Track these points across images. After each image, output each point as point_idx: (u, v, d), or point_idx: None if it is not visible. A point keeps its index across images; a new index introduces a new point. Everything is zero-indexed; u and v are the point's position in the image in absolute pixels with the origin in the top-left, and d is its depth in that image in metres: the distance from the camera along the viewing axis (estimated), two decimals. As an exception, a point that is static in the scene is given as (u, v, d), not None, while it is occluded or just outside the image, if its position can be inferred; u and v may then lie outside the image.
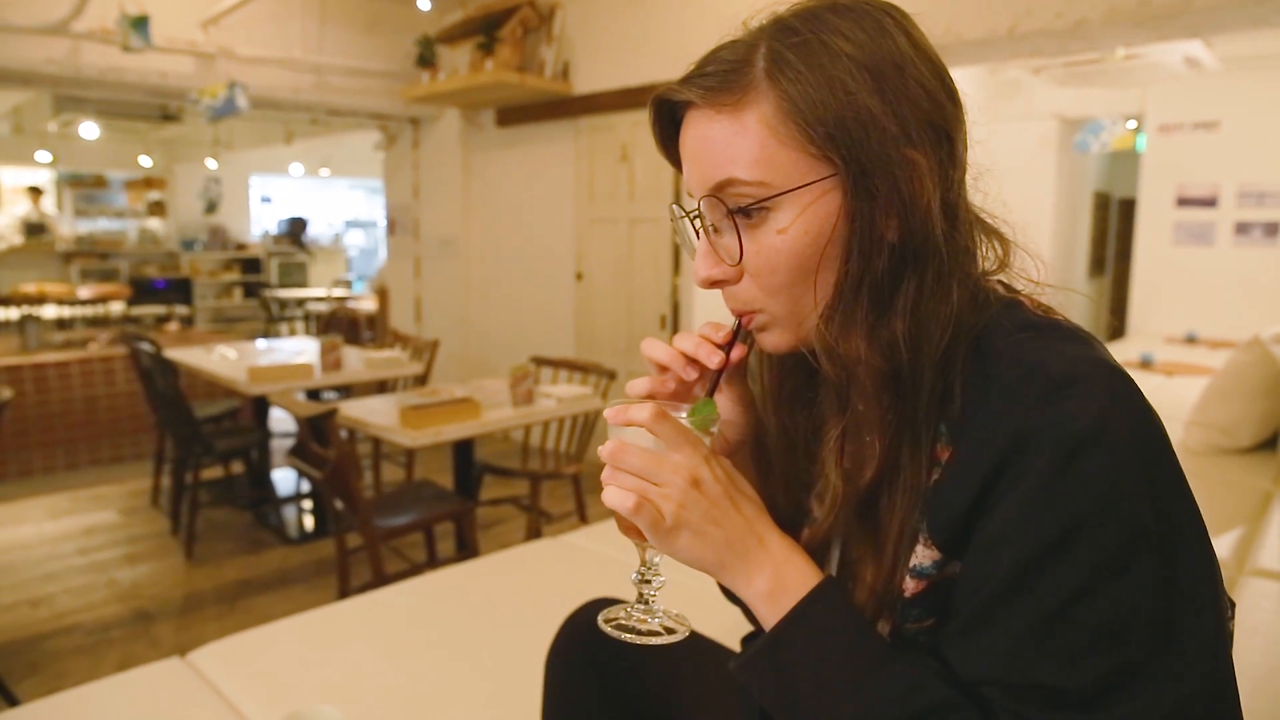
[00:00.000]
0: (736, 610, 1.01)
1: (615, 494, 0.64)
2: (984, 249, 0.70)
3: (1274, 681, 1.51)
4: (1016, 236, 0.70)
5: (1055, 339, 0.63)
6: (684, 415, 0.68)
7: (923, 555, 0.65)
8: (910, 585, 0.66)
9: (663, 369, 0.74)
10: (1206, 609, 0.58)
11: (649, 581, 0.73)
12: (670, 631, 0.71)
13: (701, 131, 0.66)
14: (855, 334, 0.64)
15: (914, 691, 0.61)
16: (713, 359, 0.71)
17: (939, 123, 0.64)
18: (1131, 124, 6.51)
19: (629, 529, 0.69)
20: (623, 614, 0.73)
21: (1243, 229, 5.93)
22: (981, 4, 3.10)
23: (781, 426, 0.78)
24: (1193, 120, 6.08)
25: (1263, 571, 1.97)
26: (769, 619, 0.66)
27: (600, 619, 0.73)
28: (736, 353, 0.72)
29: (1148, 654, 0.56)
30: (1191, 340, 5.55)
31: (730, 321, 0.72)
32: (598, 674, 1.07)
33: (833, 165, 0.63)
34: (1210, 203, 6.05)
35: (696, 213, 0.69)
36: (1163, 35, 3.14)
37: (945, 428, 0.65)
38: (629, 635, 0.71)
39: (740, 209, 0.65)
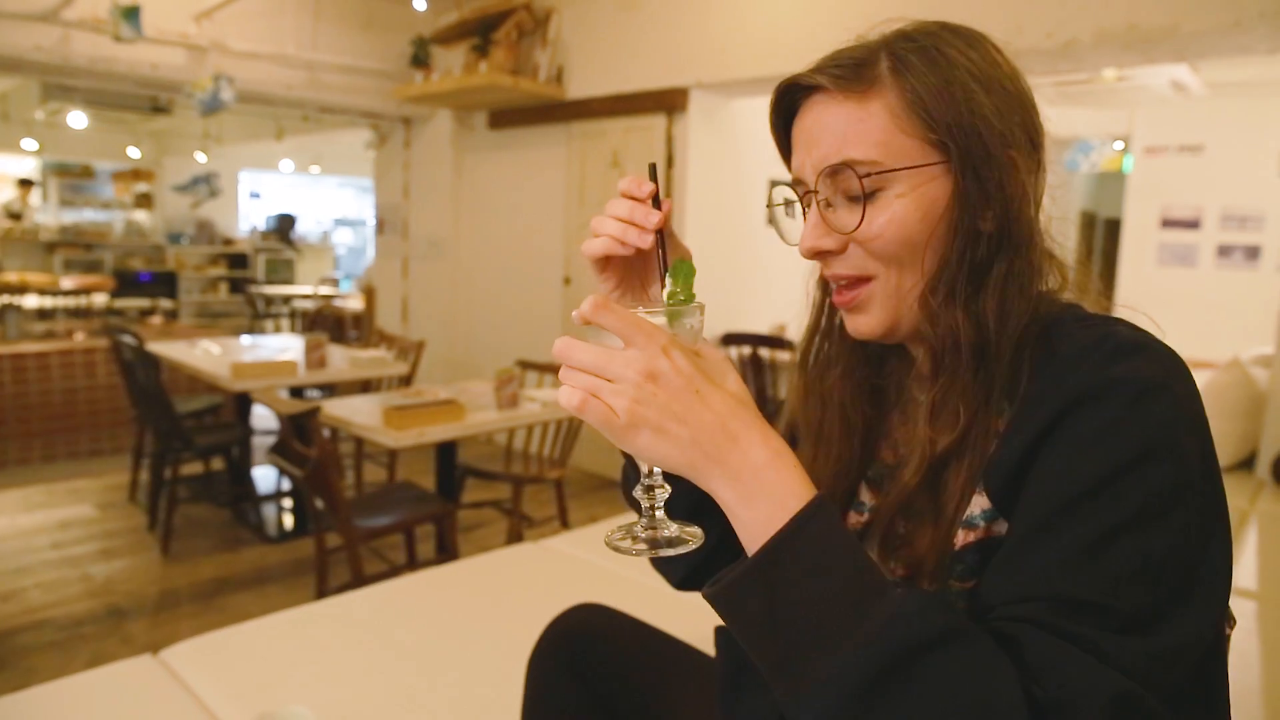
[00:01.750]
0: (711, 616, 1.01)
1: (564, 393, 0.60)
2: (1050, 263, 0.76)
3: (1249, 699, 1.52)
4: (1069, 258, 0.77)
5: (1119, 323, 0.69)
6: (660, 314, 0.64)
7: (974, 504, 0.68)
8: (960, 537, 0.69)
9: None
10: (1221, 568, 0.62)
11: (652, 491, 0.67)
12: (681, 541, 0.66)
13: (828, 114, 0.73)
14: (955, 306, 0.71)
15: (926, 615, 0.55)
16: (651, 218, 0.70)
17: (1032, 134, 0.74)
18: (1119, 145, 6.58)
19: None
20: (629, 529, 0.68)
21: (1225, 251, 6.00)
22: (972, 22, 3.11)
23: (844, 413, 0.83)
24: (1178, 143, 6.15)
25: (1238, 590, 1.99)
26: (752, 528, 0.59)
27: (606, 538, 0.67)
28: (666, 205, 0.73)
29: (1173, 595, 0.58)
30: (1173, 360, 5.59)
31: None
32: (579, 680, 1.07)
33: (945, 154, 0.70)
34: (1194, 225, 6.12)
35: (810, 188, 0.75)
36: (1150, 58, 3.17)
37: (1008, 404, 0.69)
38: (637, 547, 0.66)
39: (861, 185, 0.71)
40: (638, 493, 0.68)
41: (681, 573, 0.96)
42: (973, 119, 0.70)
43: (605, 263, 0.76)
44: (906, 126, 0.70)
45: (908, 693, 0.53)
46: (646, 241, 0.71)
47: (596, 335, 0.62)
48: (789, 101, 0.77)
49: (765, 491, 0.59)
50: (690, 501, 0.75)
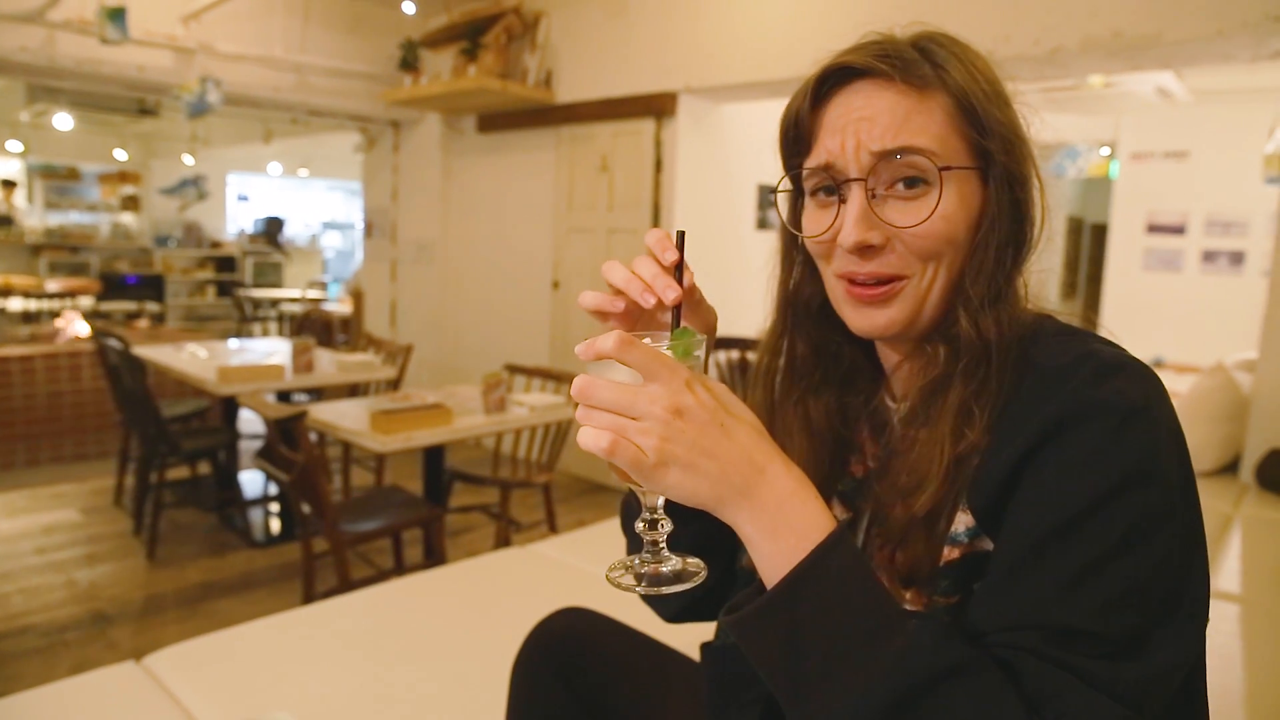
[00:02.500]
0: (702, 622, 1.01)
1: (589, 435, 0.58)
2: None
3: (1228, 700, 1.53)
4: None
5: (1095, 340, 0.70)
6: (664, 345, 0.63)
7: (958, 521, 0.68)
8: (945, 552, 0.69)
9: (617, 292, 0.71)
10: (1201, 586, 0.63)
11: (656, 526, 0.66)
12: (687, 575, 0.65)
13: (885, 101, 0.71)
14: (988, 310, 0.71)
15: (939, 647, 0.56)
16: (669, 293, 0.67)
17: (1034, 156, 0.75)
18: (1105, 151, 6.63)
19: (623, 472, 0.61)
20: (631, 564, 0.66)
21: (1210, 257, 6.04)
22: (961, 29, 3.13)
23: (812, 429, 0.82)
24: (1164, 149, 6.20)
25: (1221, 594, 2.00)
26: (773, 559, 0.60)
27: (608, 574, 0.66)
28: (688, 278, 0.72)
29: (1160, 617, 0.59)
30: (1159, 364, 5.64)
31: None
32: (563, 685, 1.07)
33: (983, 161, 0.72)
34: (1179, 230, 6.16)
35: (851, 176, 0.72)
36: (1136, 65, 3.20)
37: (987, 417, 0.69)
38: (641, 587, 0.64)
39: (916, 177, 0.70)
40: (639, 527, 0.66)
41: (675, 609, 0.96)
42: (1011, 135, 0.72)
43: (605, 315, 0.72)
44: (959, 127, 0.71)
45: None
46: (651, 304, 0.68)
47: (601, 370, 0.60)
48: (827, 86, 0.75)
49: (789, 523, 0.59)
50: (692, 542, 0.74)
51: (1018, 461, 0.64)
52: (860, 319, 0.76)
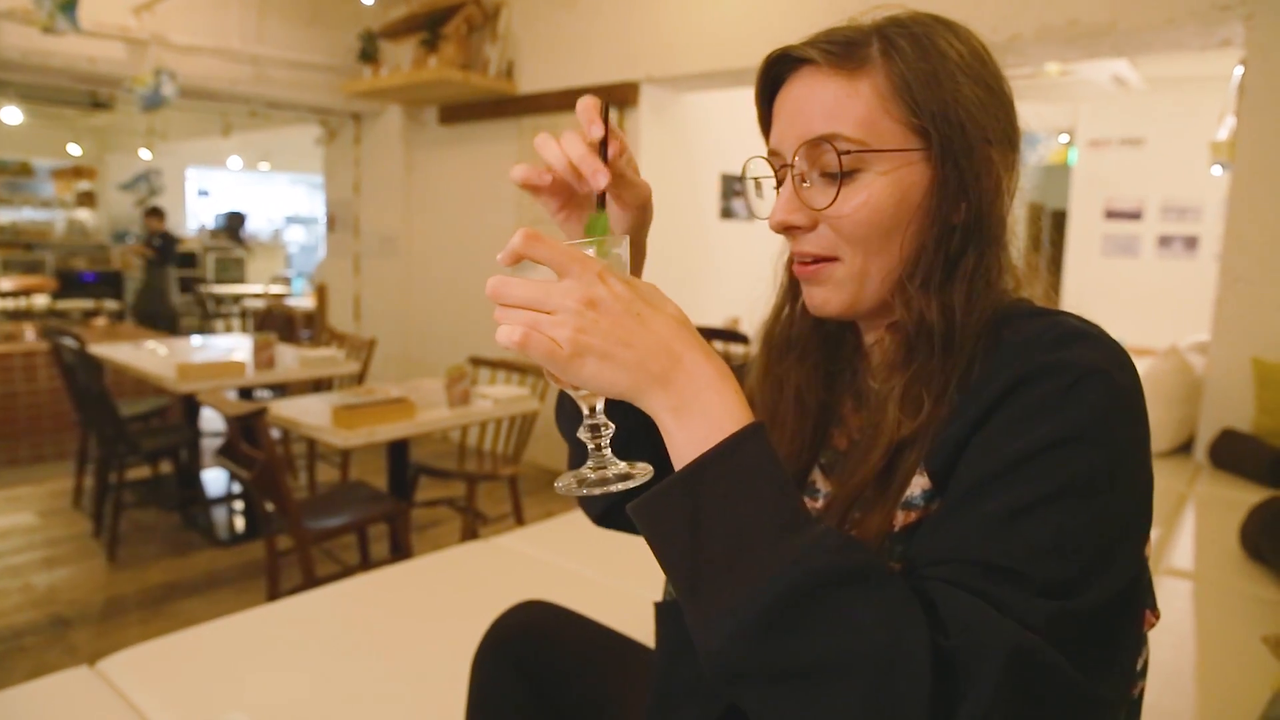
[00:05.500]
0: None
1: (504, 331, 0.58)
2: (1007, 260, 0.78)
3: (1183, 678, 1.57)
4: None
5: (1065, 314, 0.71)
6: (586, 245, 0.62)
7: (914, 484, 0.68)
8: (899, 518, 0.69)
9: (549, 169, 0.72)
10: (1135, 554, 0.63)
11: (598, 430, 0.66)
12: (630, 477, 0.65)
13: (815, 88, 0.72)
14: (929, 294, 0.71)
15: (845, 550, 0.55)
16: (599, 178, 0.68)
17: (1010, 133, 0.75)
18: (1064, 138, 6.72)
19: (552, 374, 0.61)
20: (578, 472, 0.66)
21: (1165, 242, 6.16)
22: (919, 17, 3.17)
23: (799, 395, 0.83)
24: (1120, 136, 6.30)
25: (1175, 571, 2.05)
26: (685, 447, 0.59)
27: (556, 484, 0.67)
28: (613, 149, 0.72)
29: (1089, 572, 0.59)
30: (1117, 348, 5.74)
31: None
32: (523, 678, 1.06)
33: (926, 143, 0.71)
34: (1136, 216, 6.27)
35: (786, 162, 0.74)
36: (1091, 53, 3.24)
37: (958, 394, 0.69)
38: (589, 489, 0.64)
39: (839, 161, 0.71)
40: (582, 433, 0.66)
41: (600, 507, 0.96)
42: (957, 110, 0.70)
43: (537, 190, 0.74)
44: (892, 110, 0.71)
45: (818, 623, 0.53)
46: (584, 189, 0.70)
47: (524, 273, 0.60)
48: (776, 73, 0.77)
49: (704, 411, 0.59)
50: (620, 439, 0.74)
51: (974, 423, 0.65)
52: (806, 296, 0.79)
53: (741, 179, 0.82)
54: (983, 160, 0.71)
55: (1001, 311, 0.72)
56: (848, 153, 0.70)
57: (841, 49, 0.72)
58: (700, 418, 0.59)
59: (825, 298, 0.76)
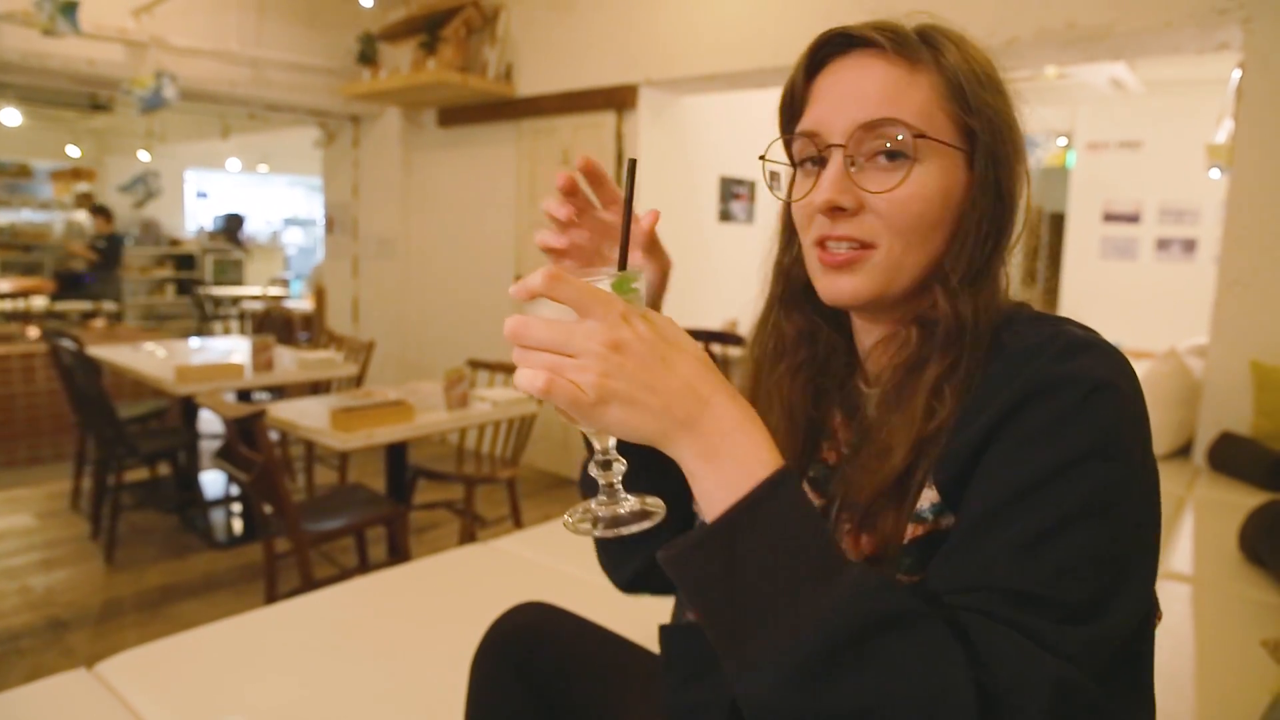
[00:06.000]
0: (659, 616, 1.01)
1: (525, 375, 0.55)
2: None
3: (1182, 682, 1.56)
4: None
5: (1067, 322, 0.71)
6: (604, 281, 0.60)
7: (924, 497, 0.68)
8: (909, 530, 0.69)
9: (562, 226, 0.77)
10: (1151, 562, 0.64)
11: (609, 466, 0.63)
12: (645, 515, 0.63)
13: (874, 71, 0.73)
14: (967, 291, 0.72)
15: (884, 594, 0.55)
16: (560, 211, 0.76)
17: (1024, 148, 0.76)
18: (1062, 141, 6.73)
19: (568, 415, 0.59)
20: (588, 508, 0.64)
21: (1163, 245, 6.17)
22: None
23: (789, 409, 0.82)
24: (1118, 139, 6.30)
25: (1174, 575, 2.05)
26: (715, 492, 0.57)
27: (565, 521, 0.65)
28: (648, 219, 0.74)
29: (1112, 587, 0.60)
30: (1116, 351, 5.74)
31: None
32: (522, 680, 1.06)
33: (970, 144, 0.73)
34: (1134, 219, 6.28)
35: (834, 142, 0.73)
36: (1089, 56, 3.25)
37: (959, 396, 0.70)
38: (603, 529, 0.62)
39: (896, 149, 0.71)
40: (593, 469, 0.64)
41: (629, 575, 0.96)
42: (999, 121, 0.73)
43: (560, 253, 0.81)
44: (946, 106, 0.72)
45: (861, 670, 0.53)
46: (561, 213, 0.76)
47: (537, 309, 0.58)
48: (823, 55, 0.77)
49: (733, 455, 0.57)
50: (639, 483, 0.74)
51: (984, 435, 0.65)
52: (829, 285, 0.76)
53: (762, 159, 0.80)
54: (1011, 167, 0.74)
55: (1003, 314, 0.73)
56: (921, 136, 0.70)
57: (900, 38, 0.73)
58: (730, 462, 0.57)
59: (856, 287, 0.74)
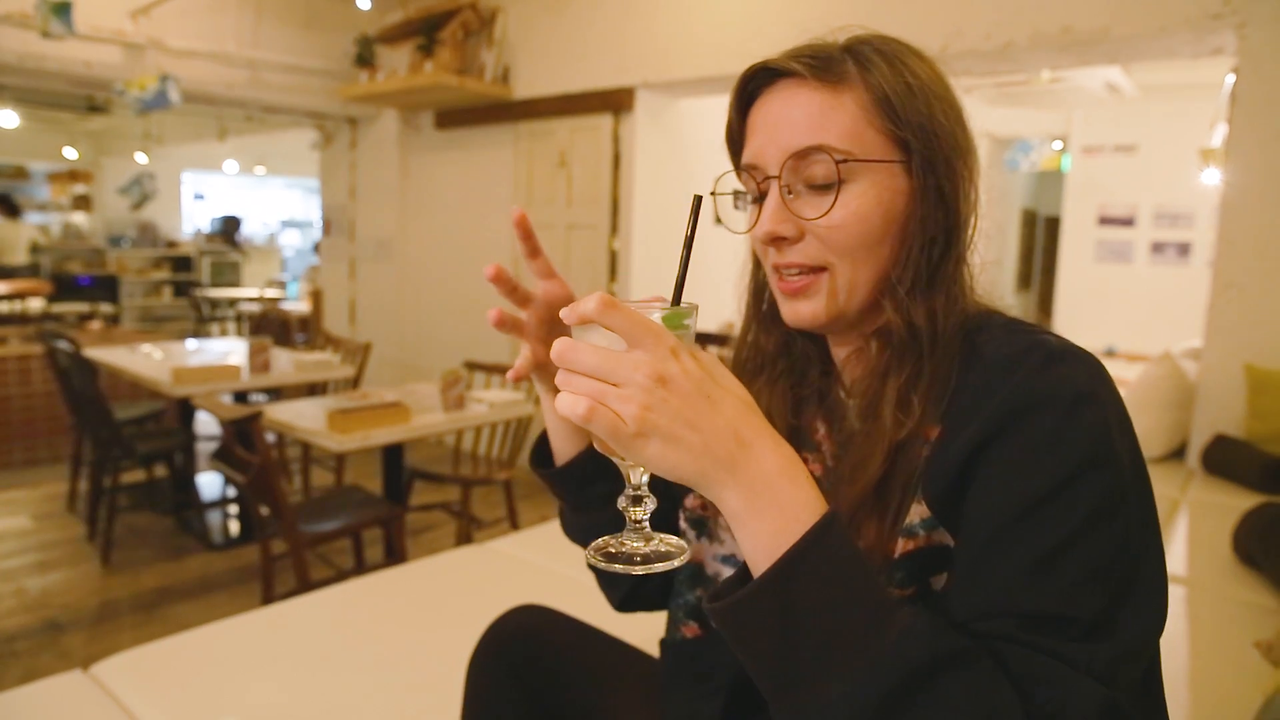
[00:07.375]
0: (655, 618, 1.02)
1: (567, 400, 0.55)
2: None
3: (1175, 684, 1.57)
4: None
5: (1042, 331, 0.72)
6: (655, 314, 0.59)
7: (913, 513, 0.69)
8: (899, 545, 0.69)
9: (519, 303, 0.89)
10: (1156, 557, 0.65)
11: (640, 502, 0.63)
12: (669, 555, 0.62)
13: (800, 100, 0.73)
14: (917, 300, 0.73)
15: (936, 636, 0.55)
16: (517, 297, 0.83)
17: (971, 148, 0.77)
18: (1057, 145, 6.75)
19: (606, 444, 0.58)
20: (613, 543, 0.64)
21: (1158, 248, 6.18)
22: (915, 24, 3.18)
23: (770, 417, 0.81)
24: (1113, 143, 6.32)
25: (1169, 577, 2.05)
26: (760, 539, 0.57)
27: (588, 554, 0.64)
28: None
29: (1123, 595, 0.61)
30: (1111, 354, 5.76)
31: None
32: (518, 683, 1.06)
33: (906, 154, 0.73)
34: (1129, 222, 6.30)
35: (770, 174, 0.75)
36: (1084, 60, 3.26)
37: (935, 407, 0.70)
38: (620, 565, 0.61)
39: (836, 170, 0.72)
40: (622, 504, 0.64)
41: (623, 594, 0.97)
42: (932, 122, 0.73)
43: (519, 331, 0.87)
44: (875, 121, 0.72)
45: (920, 711, 0.54)
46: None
47: (585, 337, 0.58)
48: (752, 88, 0.78)
49: (777, 502, 0.57)
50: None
51: (971, 452, 0.65)
52: (790, 311, 0.78)
53: (713, 195, 0.81)
54: (953, 171, 0.74)
55: (972, 319, 0.74)
56: (843, 161, 0.71)
57: (823, 63, 0.73)
58: (774, 508, 0.57)
59: (815, 311, 0.76)
